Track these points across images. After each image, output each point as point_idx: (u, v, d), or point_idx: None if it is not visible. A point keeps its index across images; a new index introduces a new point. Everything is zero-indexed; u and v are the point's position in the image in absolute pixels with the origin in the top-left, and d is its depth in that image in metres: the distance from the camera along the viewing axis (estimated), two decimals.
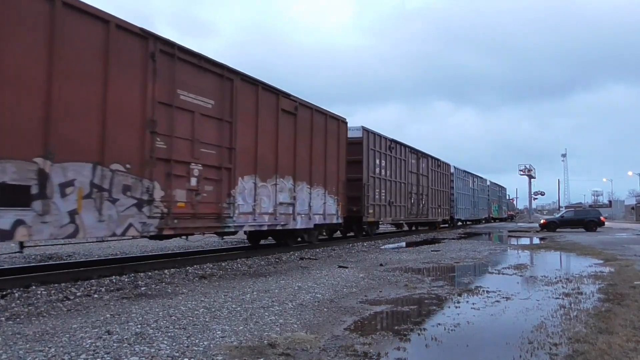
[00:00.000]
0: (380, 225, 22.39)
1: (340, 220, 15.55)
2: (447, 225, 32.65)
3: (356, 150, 17.34)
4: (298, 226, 13.05)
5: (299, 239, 14.42)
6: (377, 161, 18.95)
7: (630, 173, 78.37)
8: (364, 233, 19.03)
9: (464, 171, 36.66)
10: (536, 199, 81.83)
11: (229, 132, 10.21)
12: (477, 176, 41.42)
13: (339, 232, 18.54)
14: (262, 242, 14.78)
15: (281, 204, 12.12)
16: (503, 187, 61.80)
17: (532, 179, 72.20)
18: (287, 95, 12.53)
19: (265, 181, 11.43)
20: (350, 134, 16.79)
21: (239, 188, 10.43)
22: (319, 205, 14.17)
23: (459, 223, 37.40)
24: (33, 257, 11.61)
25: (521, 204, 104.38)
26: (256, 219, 11.09)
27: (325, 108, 14.77)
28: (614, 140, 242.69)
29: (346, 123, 16.18)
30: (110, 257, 11.29)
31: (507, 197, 73.54)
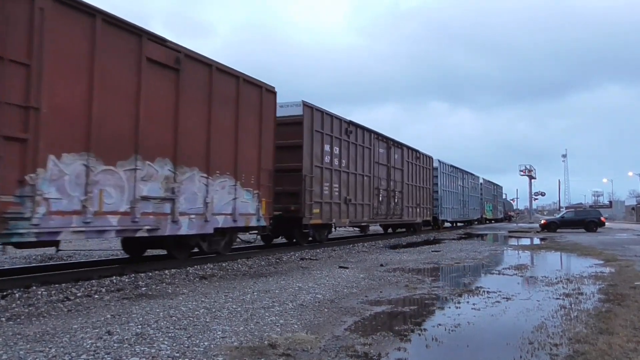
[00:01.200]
0: (338, 228, 18.00)
1: (262, 223, 11.61)
2: (430, 227, 29.14)
3: (294, 132, 13.57)
4: (182, 231, 9.25)
5: (196, 249, 10.70)
6: (327, 147, 14.96)
7: (630, 173, 78.46)
8: (310, 238, 15.01)
9: (451, 166, 32.39)
10: (537, 199, 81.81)
11: (22, 81, 6.49)
12: (467, 172, 37.48)
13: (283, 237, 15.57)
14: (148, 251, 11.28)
15: (146, 198, 8.40)
16: (498, 186, 57.38)
17: (532, 180, 72.16)
18: (160, 41, 8.74)
19: (112, 164, 7.79)
20: (285, 111, 13.50)
21: (48, 172, 6.76)
22: (226, 201, 10.43)
23: (446, 224, 33.86)
24: (34, 257, 11.62)
25: (521, 204, 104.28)
26: (90, 221, 7.35)
27: (238, 70, 10.84)
28: (612, 141, 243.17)
29: (274, 93, 12.04)
30: (110, 258, 11.29)
31: (504, 196, 69.70)
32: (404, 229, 24.99)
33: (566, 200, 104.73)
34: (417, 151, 24.05)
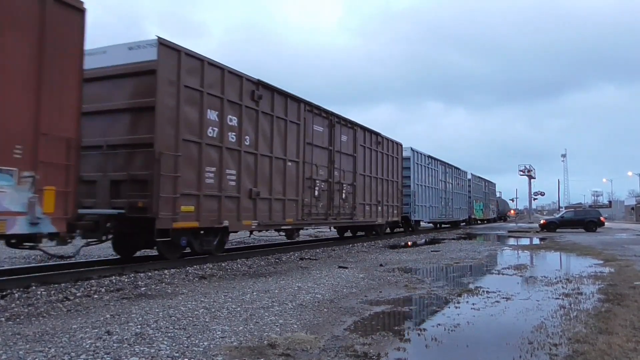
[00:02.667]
0: (246, 232, 13.48)
1: (46, 228, 6.56)
2: (401, 229, 24.54)
3: (145, 86, 8.97)
4: None
5: None
6: (214, 115, 10.11)
7: (630, 173, 78.47)
8: (187, 249, 10.21)
9: (429, 157, 26.91)
10: (536, 199, 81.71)
11: None
12: (451, 166, 31.93)
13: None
14: None
15: None
16: (491, 183, 50.55)
17: (532, 180, 72.18)
18: None
19: None
20: (136, 56, 9.10)
21: None
22: None
23: (423, 225, 29.43)
24: (33, 257, 11.60)
25: (521, 204, 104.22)
26: None
27: None
28: (609, 140, 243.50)
29: (79, 10, 6.97)
30: (110, 258, 11.27)
31: (498, 195, 63.78)
32: (363, 233, 19.89)
33: (565, 200, 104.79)
34: (378, 135, 18.63)
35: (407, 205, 22.92)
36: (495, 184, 54.09)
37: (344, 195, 15.85)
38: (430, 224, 31.64)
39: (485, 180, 46.96)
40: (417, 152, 24.79)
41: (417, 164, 24.79)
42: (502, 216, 64.72)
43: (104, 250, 12.28)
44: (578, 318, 5.76)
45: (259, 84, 11.58)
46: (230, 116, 10.59)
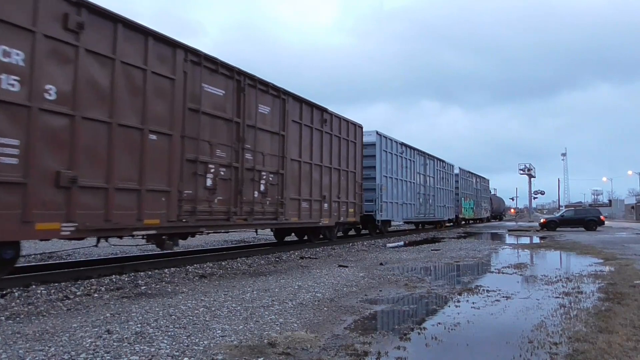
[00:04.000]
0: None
1: None
2: (366, 232, 20.62)
3: None
4: None
5: None
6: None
7: (630, 172, 78.43)
8: None
9: (403, 144, 22.19)
10: (536, 198, 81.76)
11: None
12: (432, 157, 27.33)
13: None
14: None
15: None
16: (483, 178, 45.38)
17: (532, 179, 72.17)
18: None
19: None
20: None
21: None
22: None
23: (396, 226, 26.99)
24: (33, 256, 11.61)
25: (521, 203, 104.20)
26: None
27: None
28: (606, 139, 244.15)
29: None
30: (110, 257, 11.28)
31: (493, 192, 59.35)
32: (306, 236, 15.96)
33: (566, 199, 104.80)
34: (324, 110, 14.36)
35: (370, 202, 18.57)
36: (488, 180, 48.79)
37: (262, 188, 11.46)
38: (410, 225, 28.94)
39: (476, 176, 41.60)
40: (385, 138, 19.92)
41: (386, 151, 20.00)
42: (498, 215, 60.41)
43: (104, 249, 12.28)
44: (578, 317, 5.76)
45: (82, 5, 7.33)
46: (8, 48, 6.39)
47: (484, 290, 7.69)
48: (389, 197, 20.27)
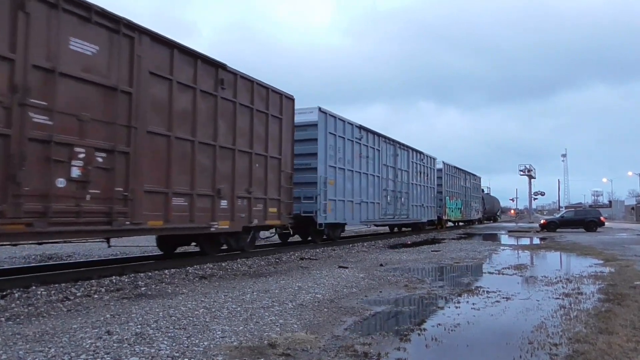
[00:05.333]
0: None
1: None
2: (300, 241, 16.44)
3: None
4: None
5: None
6: None
7: (630, 173, 78.39)
8: None
9: (361, 127, 17.67)
10: (536, 199, 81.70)
11: None
12: (407, 147, 22.68)
13: None
14: None
15: None
16: (474, 176, 40.54)
17: (532, 179, 72.13)
18: None
19: None
20: None
21: None
22: None
23: (352, 229, 23.80)
24: (33, 257, 11.61)
25: (521, 204, 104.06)
26: None
27: None
28: (604, 140, 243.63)
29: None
30: (110, 258, 11.29)
31: (486, 191, 54.57)
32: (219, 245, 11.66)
33: (566, 200, 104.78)
34: (215, 64, 10.12)
35: (310, 199, 14.55)
36: (480, 177, 44.20)
37: (77, 173, 7.23)
38: (387, 227, 25.08)
39: (465, 172, 36.68)
40: (332, 117, 15.56)
41: (334, 135, 15.56)
42: (492, 216, 55.84)
43: (104, 250, 12.29)
44: (578, 318, 5.76)
45: None
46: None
47: (484, 291, 7.69)
48: (339, 193, 15.86)
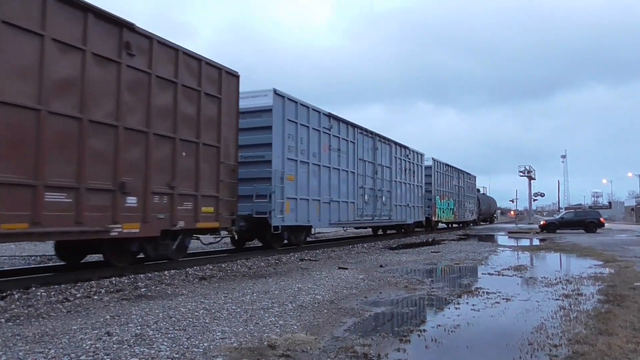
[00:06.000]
0: None
1: None
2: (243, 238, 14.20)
3: None
4: None
5: None
6: None
7: (630, 174, 78.47)
8: None
9: (329, 115, 15.61)
10: (536, 200, 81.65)
11: None
12: (388, 141, 20.65)
13: None
14: None
15: None
16: (468, 175, 38.09)
17: (531, 180, 72.13)
18: None
19: None
20: None
21: None
22: None
23: (321, 232, 20.73)
24: (33, 258, 11.61)
25: (521, 205, 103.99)
26: None
27: None
28: (603, 141, 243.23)
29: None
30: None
31: (482, 191, 51.70)
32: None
33: (565, 201, 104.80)
34: (115, 21, 8.04)
35: (264, 198, 12.43)
36: (475, 177, 41.51)
37: None
38: (365, 230, 23.12)
39: (458, 170, 34.32)
40: (292, 102, 13.56)
41: (295, 123, 13.60)
42: (488, 217, 53.13)
43: None
44: (578, 319, 5.76)
45: None
46: None
47: (483, 292, 7.69)
48: (302, 191, 13.75)
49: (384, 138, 20.19)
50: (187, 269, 9.50)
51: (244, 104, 11.82)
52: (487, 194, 58.56)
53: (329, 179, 15.30)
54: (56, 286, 7.18)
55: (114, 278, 8.10)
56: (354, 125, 17.33)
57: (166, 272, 8.99)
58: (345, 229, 18.65)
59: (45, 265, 10.33)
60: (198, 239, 10.78)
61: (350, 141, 17.00)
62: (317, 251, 14.23)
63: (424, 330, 5.31)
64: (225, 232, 11.15)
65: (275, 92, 12.83)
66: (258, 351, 4.30)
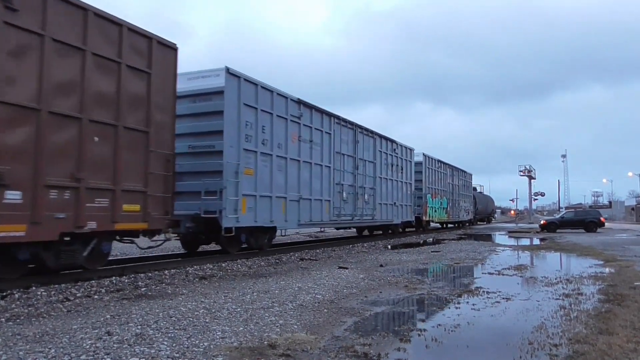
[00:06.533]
0: None
1: None
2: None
3: None
4: None
5: None
6: None
7: (630, 174, 78.41)
8: None
9: (298, 101, 13.70)
10: (536, 199, 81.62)
11: None
12: (370, 132, 18.69)
13: None
14: None
15: None
16: (463, 172, 35.88)
17: (532, 180, 72.10)
18: None
19: None
20: None
21: None
22: None
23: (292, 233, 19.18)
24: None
25: (521, 204, 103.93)
26: None
27: None
28: (601, 141, 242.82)
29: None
30: (110, 258, 11.27)
31: (479, 189, 49.57)
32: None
33: (566, 201, 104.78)
34: None
35: (213, 195, 10.69)
36: (471, 174, 39.18)
37: None
38: (348, 232, 21.64)
39: (452, 167, 32.22)
40: (249, 83, 11.62)
41: (253, 108, 11.65)
42: (485, 217, 50.63)
43: None
44: (578, 318, 5.76)
45: None
46: None
47: (484, 291, 7.69)
48: (263, 187, 11.94)
49: (367, 130, 18.30)
50: (188, 269, 9.51)
51: (193, 85, 10.98)
52: (485, 193, 56.24)
53: (299, 174, 13.51)
54: (56, 286, 7.18)
55: (114, 277, 8.11)
56: (330, 115, 15.42)
57: (166, 272, 8.99)
58: (322, 229, 16.53)
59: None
60: (132, 242, 9.04)
61: (326, 132, 15.11)
62: (318, 250, 14.23)
63: (424, 330, 5.31)
64: (175, 234, 10.15)
65: (229, 71, 10.97)
66: (258, 350, 4.30)
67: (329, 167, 15.24)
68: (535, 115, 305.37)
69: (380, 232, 22.28)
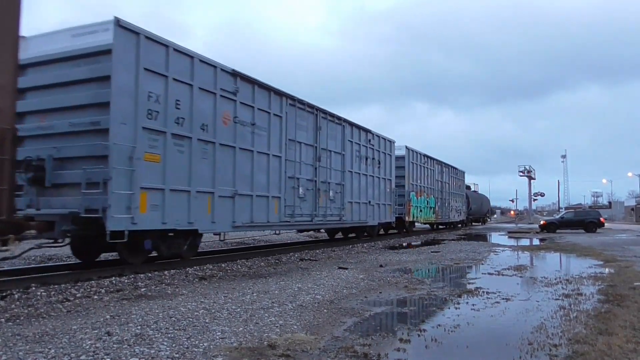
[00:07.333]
0: None
1: None
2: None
3: None
4: None
5: None
6: None
7: (630, 174, 78.47)
8: None
9: (233, 72, 10.73)
10: (536, 200, 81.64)
11: None
12: (338, 119, 15.76)
13: None
14: None
15: None
16: (455, 169, 32.96)
17: (531, 180, 72.11)
18: None
19: None
20: None
21: None
22: None
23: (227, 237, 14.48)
24: (33, 258, 11.60)
25: (521, 205, 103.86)
26: None
27: None
28: (600, 141, 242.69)
29: None
30: (110, 259, 11.28)
31: (473, 188, 47.47)
32: None
33: (565, 201, 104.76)
34: None
35: (95, 187, 8.00)
36: (463, 172, 36.09)
37: None
38: (300, 235, 19.80)
39: (441, 164, 29.43)
40: (153, 42, 8.83)
41: (162, 76, 9.00)
42: (480, 218, 47.54)
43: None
44: (578, 319, 5.76)
45: None
46: None
47: (483, 292, 7.69)
48: (176, 178, 9.26)
49: (332, 115, 15.31)
50: (187, 269, 9.50)
51: (78, 43, 8.50)
52: (480, 192, 52.99)
53: (234, 164, 10.77)
54: (56, 286, 7.18)
55: (114, 278, 8.10)
56: (280, 94, 12.53)
57: (166, 272, 8.98)
58: (277, 232, 13.91)
59: (45, 265, 10.32)
60: None
61: (275, 114, 12.29)
62: (317, 251, 14.23)
63: (424, 330, 5.31)
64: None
65: (119, 23, 8.20)
66: (258, 351, 4.30)
67: (279, 157, 12.44)
68: (534, 116, 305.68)
69: (354, 234, 19.37)
